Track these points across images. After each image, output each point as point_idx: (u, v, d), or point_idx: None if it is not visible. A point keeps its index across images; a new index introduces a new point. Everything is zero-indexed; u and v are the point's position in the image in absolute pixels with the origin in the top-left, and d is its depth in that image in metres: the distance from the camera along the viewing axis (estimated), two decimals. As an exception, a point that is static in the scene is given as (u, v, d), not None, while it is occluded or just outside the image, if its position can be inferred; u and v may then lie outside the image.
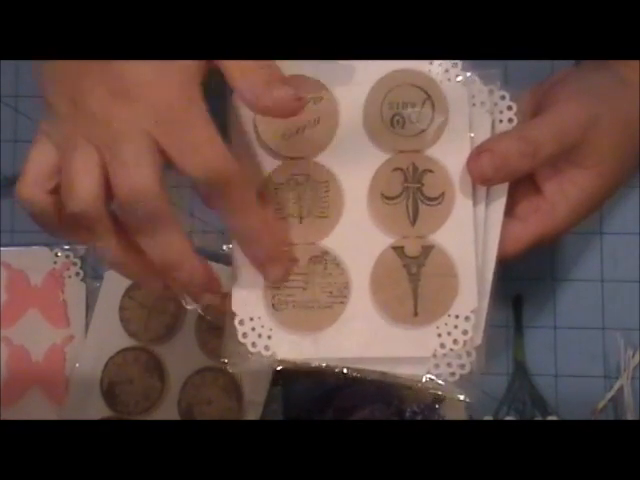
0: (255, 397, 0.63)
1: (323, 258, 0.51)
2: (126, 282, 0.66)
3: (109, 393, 0.64)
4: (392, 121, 0.51)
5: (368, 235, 0.51)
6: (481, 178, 0.49)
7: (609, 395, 0.62)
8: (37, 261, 0.67)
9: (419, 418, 0.60)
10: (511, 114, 0.51)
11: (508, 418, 0.61)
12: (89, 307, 0.66)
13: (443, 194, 0.51)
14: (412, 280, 0.50)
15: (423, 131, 0.51)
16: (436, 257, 0.50)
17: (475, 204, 0.51)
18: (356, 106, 0.52)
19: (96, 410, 0.64)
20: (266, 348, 0.50)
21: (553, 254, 0.64)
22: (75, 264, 0.67)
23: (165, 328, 0.65)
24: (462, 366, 0.50)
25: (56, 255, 0.67)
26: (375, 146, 0.52)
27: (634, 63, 0.52)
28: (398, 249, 0.51)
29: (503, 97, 0.52)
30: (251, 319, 0.51)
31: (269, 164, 0.52)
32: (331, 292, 0.51)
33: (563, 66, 0.60)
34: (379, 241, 0.51)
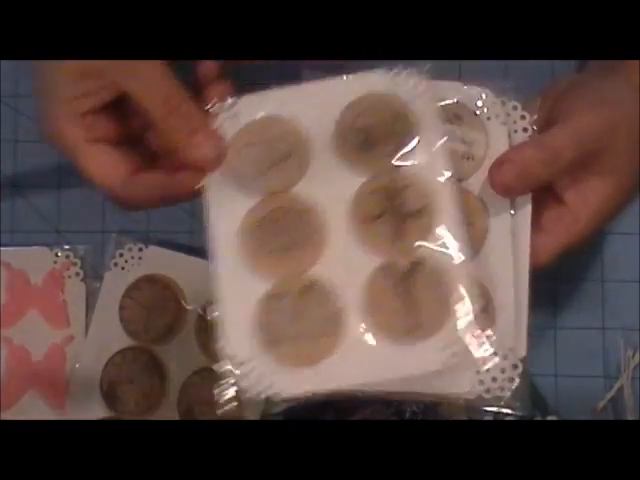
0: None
1: (313, 287, 0.50)
2: (126, 282, 0.66)
3: (109, 393, 0.64)
4: (364, 143, 0.51)
5: (355, 258, 0.50)
6: (504, 188, 0.50)
7: (609, 395, 0.62)
8: (37, 261, 0.67)
9: (419, 418, 0.60)
10: (525, 123, 0.52)
11: (508, 418, 0.61)
12: (89, 307, 0.66)
13: (424, 207, 0.50)
14: (406, 296, 0.50)
15: (396, 149, 0.51)
16: (426, 270, 0.50)
17: (500, 217, 0.51)
18: (327, 132, 0.52)
19: (96, 410, 0.64)
20: (269, 387, 0.49)
21: (575, 251, 0.64)
22: (75, 264, 0.66)
23: (165, 328, 0.65)
24: (511, 379, 0.49)
25: (56, 255, 0.67)
26: (350, 170, 0.51)
27: None
28: (387, 268, 0.50)
29: (515, 107, 0.52)
30: (250, 360, 0.49)
31: (248, 200, 0.51)
32: (326, 321, 0.50)
33: (563, 66, 0.61)
34: (367, 263, 0.50)
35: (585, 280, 0.64)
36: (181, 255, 0.66)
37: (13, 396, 0.65)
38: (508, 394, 0.49)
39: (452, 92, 0.52)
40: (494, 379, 0.49)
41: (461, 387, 0.49)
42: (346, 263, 0.50)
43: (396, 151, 0.51)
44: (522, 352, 0.50)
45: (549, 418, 0.61)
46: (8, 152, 0.68)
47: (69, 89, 0.50)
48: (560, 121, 0.50)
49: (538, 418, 0.61)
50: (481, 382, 0.49)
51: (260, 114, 0.52)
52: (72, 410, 0.64)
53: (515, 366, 0.49)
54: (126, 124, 0.52)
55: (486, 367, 0.49)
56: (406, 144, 0.51)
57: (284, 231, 0.51)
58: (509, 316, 0.50)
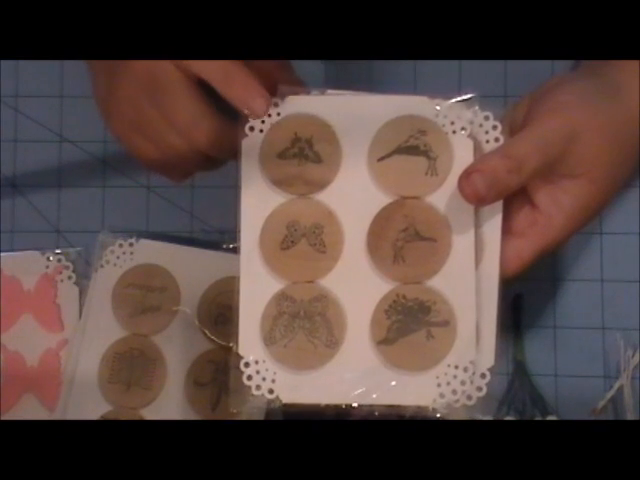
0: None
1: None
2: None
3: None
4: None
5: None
6: (475, 197, 0.49)
7: (609, 395, 0.62)
8: (29, 266, 0.66)
9: (419, 418, 0.60)
10: (497, 133, 0.51)
11: (508, 418, 0.61)
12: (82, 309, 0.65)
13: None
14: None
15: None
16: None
17: (464, 233, 0.51)
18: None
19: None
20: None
21: (553, 254, 0.64)
22: (67, 267, 0.66)
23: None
24: (479, 389, 0.50)
25: (48, 259, 0.66)
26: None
27: (631, 68, 0.52)
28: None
29: (487, 117, 0.52)
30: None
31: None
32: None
33: (563, 66, 0.61)
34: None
35: (585, 280, 0.64)
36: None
37: (9, 401, 0.64)
38: (473, 403, 0.49)
39: (417, 106, 0.52)
40: (454, 392, 0.50)
41: (423, 400, 0.50)
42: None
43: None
44: (489, 362, 0.50)
45: (549, 418, 0.61)
46: (8, 152, 0.68)
47: None
48: (526, 126, 0.50)
49: (538, 418, 0.61)
50: (442, 395, 0.50)
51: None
52: (69, 411, 0.64)
53: (483, 375, 0.50)
54: None
55: (446, 380, 0.50)
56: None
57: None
58: (471, 330, 0.50)
